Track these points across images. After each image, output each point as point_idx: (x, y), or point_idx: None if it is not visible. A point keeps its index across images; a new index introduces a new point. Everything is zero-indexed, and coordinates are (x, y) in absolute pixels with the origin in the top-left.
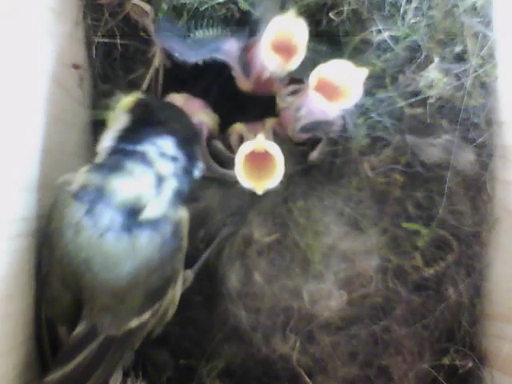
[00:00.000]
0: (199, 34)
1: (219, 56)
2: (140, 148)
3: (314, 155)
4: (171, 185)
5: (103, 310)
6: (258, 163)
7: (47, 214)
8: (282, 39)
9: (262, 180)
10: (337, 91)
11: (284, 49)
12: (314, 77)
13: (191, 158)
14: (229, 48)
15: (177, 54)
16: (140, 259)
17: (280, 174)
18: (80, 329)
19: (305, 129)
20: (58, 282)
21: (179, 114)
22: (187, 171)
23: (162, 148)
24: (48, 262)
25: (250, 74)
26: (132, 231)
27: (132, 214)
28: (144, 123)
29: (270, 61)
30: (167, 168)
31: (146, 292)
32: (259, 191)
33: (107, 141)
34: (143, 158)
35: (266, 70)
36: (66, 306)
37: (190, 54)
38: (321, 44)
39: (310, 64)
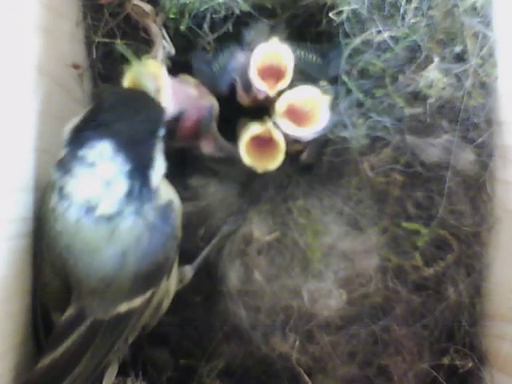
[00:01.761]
0: (222, 59)
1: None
2: (80, 153)
3: (304, 156)
4: (121, 185)
5: (90, 293)
6: (261, 147)
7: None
8: (271, 63)
9: (262, 162)
10: (305, 116)
11: (273, 72)
12: (283, 102)
13: (137, 159)
14: (236, 62)
15: (212, 86)
16: (123, 244)
17: (281, 159)
18: (68, 313)
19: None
20: (47, 269)
21: (130, 112)
22: (137, 170)
23: (101, 151)
24: (39, 248)
25: (250, 91)
26: (110, 217)
27: (91, 211)
28: (89, 124)
29: (258, 85)
30: (110, 169)
31: (135, 277)
32: (259, 170)
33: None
34: (84, 162)
35: (259, 91)
36: (57, 291)
37: (221, 83)
38: (312, 52)
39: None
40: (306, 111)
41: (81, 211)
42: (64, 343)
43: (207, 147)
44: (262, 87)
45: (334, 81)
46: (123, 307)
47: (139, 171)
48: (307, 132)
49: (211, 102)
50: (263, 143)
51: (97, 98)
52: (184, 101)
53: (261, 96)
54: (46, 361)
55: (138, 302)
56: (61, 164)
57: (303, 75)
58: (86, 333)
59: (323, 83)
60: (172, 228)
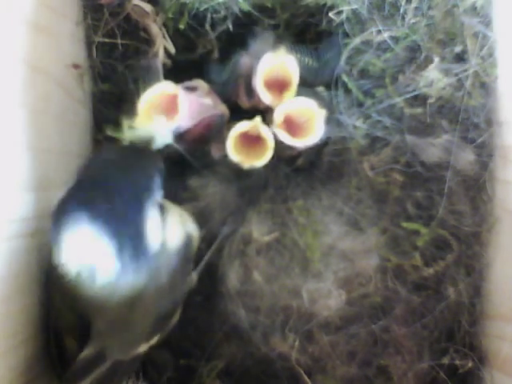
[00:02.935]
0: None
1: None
2: (65, 234)
3: (300, 161)
4: (111, 264)
5: (111, 334)
6: (249, 143)
7: None
8: (276, 74)
9: (249, 159)
10: (301, 127)
11: (278, 83)
12: (281, 113)
13: (123, 237)
14: (242, 63)
15: (223, 96)
16: (132, 294)
17: (268, 156)
18: (88, 352)
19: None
20: (58, 296)
21: (114, 186)
22: (126, 248)
23: (85, 234)
24: (51, 278)
25: (252, 97)
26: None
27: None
28: (71, 203)
29: (263, 97)
30: (96, 252)
31: (156, 318)
32: (245, 166)
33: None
34: (70, 241)
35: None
36: (71, 319)
37: (229, 90)
38: (308, 56)
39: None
40: (302, 122)
41: (79, 272)
42: (83, 382)
43: (217, 152)
44: (267, 99)
45: (330, 84)
46: (143, 347)
47: (129, 247)
48: (302, 143)
49: (222, 111)
50: (251, 140)
51: (80, 169)
52: (199, 110)
53: (262, 104)
54: None
55: (155, 339)
56: (52, 233)
57: (299, 80)
58: (106, 373)
59: (320, 89)
60: (189, 262)
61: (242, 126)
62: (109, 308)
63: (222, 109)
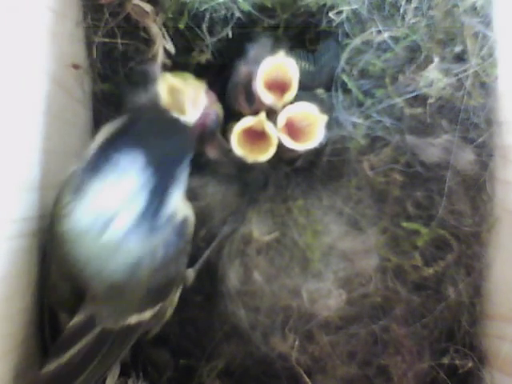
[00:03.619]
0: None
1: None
2: (113, 156)
3: (299, 163)
4: (141, 201)
5: (101, 301)
6: (253, 139)
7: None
8: (276, 76)
9: (253, 154)
10: (302, 131)
11: (278, 85)
12: (283, 117)
13: (163, 178)
14: (241, 71)
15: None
16: (133, 257)
17: (272, 152)
18: (77, 319)
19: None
20: (54, 269)
21: (167, 131)
22: (160, 189)
23: (134, 160)
24: (49, 247)
25: (253, 103)
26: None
27: (104, 223)
28: (127, 132)
29: (264, 98)
30: (136, 181)
31: (148, 290)
32: (249, 161)
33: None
34: (114, 166)
35: (263, 104)
36: (65, 293)
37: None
38: (305, 60)
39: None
40: (304, 126)
41: (94, 219)
42: (71, 350)
43: (212, 152)
44: (269, 100)
45: (329, 86)
46: (133, 319)
47: (161, 190)
48: (303, 147)
49: (217, 110)
50: (255, 135)
51: (135, 111)
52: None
53: (263, 109)
54: (51, 366)
55: (147, 314)
56: (87, 163)
57: (298, 84)
58: (95, 341)
59: (320, 91)
60: (185, 243)
61: (247, 121)
62: (107, 271)
63: (217, 108)
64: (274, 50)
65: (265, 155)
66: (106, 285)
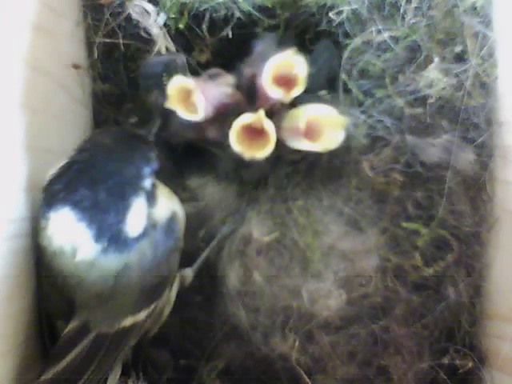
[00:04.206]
0: None
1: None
2: (48, 213)
3: (301, 166)
4: (89, 246)
5: (94, 306)
6: (252, 135)
7: None
8: (282, 73)
9: (251, 150)
10: (319, 132)
11: (285, 80)
12: (304, 119)
13: (102, 223)
14: (245, 74)
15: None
16: (113, 267)
17: (270, 149)
18: (72, 326)
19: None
20: (45, 279)
21: (101, 174)
22: (105, 233)
23: (64, 217)
24: (37, 255)
25: (255, 102)
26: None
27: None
28: (54, 187)
29: (273, 93)
30: (76, 235)
31: (140, 291)
32: (246, 157)
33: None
34: (53, 221)
35: (270, 99)
36: (59, 301)
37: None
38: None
39: None
40: (321, 128)
41: (61, 245)
42: (68, 356)
43: (212, 132)
44: (278, 94)
45: (330, 86)
46: (128, 321)
47: (108, 234)
48: (322, 149)
49: (238, 100)
50: (255, 132)
51: (75, 150)
52: (217, 96)
53: (270, 103)
54: (49, 374)
55: (142, 315)
56: (44, 193)
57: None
58: (91, 346)
59: (323, 92)
60: (175, 241)
61: (246, 118)
62: (89, 282)
63: (239, 99)
64: (279, 46)
65: (262, 152)
66: (92, 293)
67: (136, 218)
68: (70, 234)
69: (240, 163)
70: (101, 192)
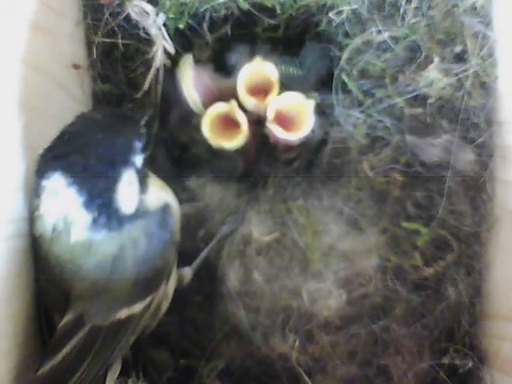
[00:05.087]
0: None
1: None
2: (42, 182)
3: (296, 164)
4: (81, 215)
5: (87, 299)
6: (225, 125)
7: None
8: (256, 81)
9: (222, 139)
10: (293, 121)
11: (260, 89)
12: (272, 109)
13: (92, 191)
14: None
15: None
16: (106, 254)
17: (241, 140)
18: (67, 319)
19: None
20: (41, 273)
21: (91, 142)
22: (94, 201)
23: (56, 182)
24: (33, 251)
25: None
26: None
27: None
28: (47, 155)
29: (247, 102)
30: (67, 201)
31: (134, 283)
32: (214, 145)
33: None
34: (47, 191)
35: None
36: (55, 294)
37: None
38: (292, 65)
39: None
40: (293, 116)
41: (55, 225)
42: (64, 349)
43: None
44: (251, 103)
45: (322, 86)
46: (123, 313)
47: (99, 203)
48: (296, 136)
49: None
50: (228, 122)
51: (67, 125)
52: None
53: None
54: (46, 367)
55: (138, 307)
56: (33, 188)
57: (286, 89)
58: (86, 339)
59: (313, 94)
60: (170, 233)
61: (219, 107)
62: (86, 269)
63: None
64: (251, 56)
65: (232, 142)
66: (88, 283)
67: (126, 192)
68: (61, 203)
69: (211, 153)
70: (91, 157)
